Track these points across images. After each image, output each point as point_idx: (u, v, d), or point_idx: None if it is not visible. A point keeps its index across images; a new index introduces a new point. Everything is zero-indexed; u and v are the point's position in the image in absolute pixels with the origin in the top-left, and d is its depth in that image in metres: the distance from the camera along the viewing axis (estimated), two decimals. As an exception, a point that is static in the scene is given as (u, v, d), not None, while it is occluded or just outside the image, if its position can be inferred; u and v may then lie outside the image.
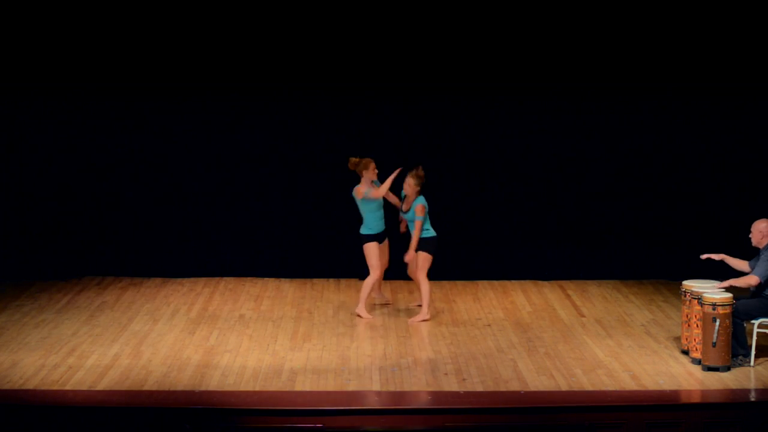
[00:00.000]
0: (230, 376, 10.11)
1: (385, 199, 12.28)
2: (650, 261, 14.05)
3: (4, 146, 13.82)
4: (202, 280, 13.87)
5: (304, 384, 9.92)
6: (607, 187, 14.04)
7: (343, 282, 13.94)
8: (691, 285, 10.65)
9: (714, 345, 10.17)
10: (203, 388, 9.77)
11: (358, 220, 12.39)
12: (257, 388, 9.78)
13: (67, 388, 9.77)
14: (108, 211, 13.99)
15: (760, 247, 10.64)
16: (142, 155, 13.95)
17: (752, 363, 10.44)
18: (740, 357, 10.42)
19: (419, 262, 12.04)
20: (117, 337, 11.36)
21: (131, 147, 13.94)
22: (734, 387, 9.89)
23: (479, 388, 9.82)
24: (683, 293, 10.69)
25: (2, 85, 13.63)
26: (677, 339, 11.16)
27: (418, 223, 11.90)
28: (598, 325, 12.00)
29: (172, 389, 9.75)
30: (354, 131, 13.84)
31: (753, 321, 10.53)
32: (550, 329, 11.80)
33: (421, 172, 11.95)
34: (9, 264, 13.80)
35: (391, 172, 12.07)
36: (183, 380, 9.99)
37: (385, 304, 12.71)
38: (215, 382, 9.96)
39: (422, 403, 9.56)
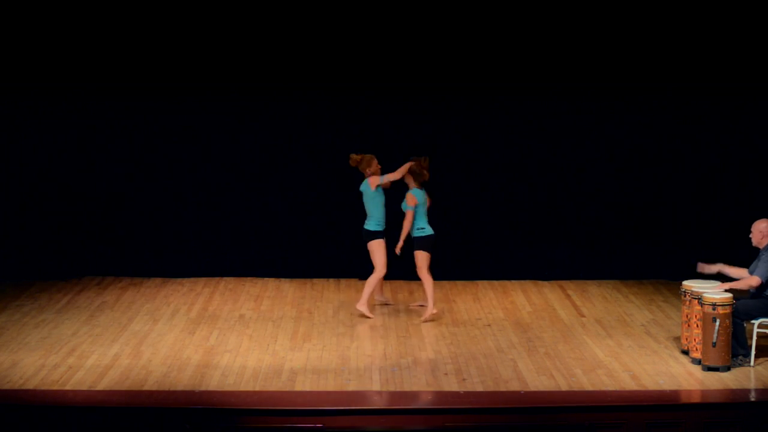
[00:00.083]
0: (230, 376, 10.11)
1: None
2: (650, 261, 14.06)
3: (4, 146, 13.82)
4: (202, 280, 13.87)
5: (304, 384, 9.91)
6: (607, 187, 14.04)
7: (343, 282, 13.94)
8: (691, 285, 10.65)
9: (714, 345, 10.17)
10: (203, 388, 9.77)
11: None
12: (257, 388, 9.78)
13: (67, 388, 9.77)
14: (108, 211, 13.99)
15: (760, 247, 10.64)
16: (142, 155, 13.95)
17: (752, 363, 10.44)
18: (740, 357, 10.42)
19: (417, 261, 12.05)
20: (117, 337, 11.36)
21: (131, 147, 13.94)
22: (734, 387, 9.89)
23: (479, 388, 9.82)
24: (683, 293, 10.69)
25: (2, 85, 13.63)
26: (677, 339, 11.16)
27: (407, 213, 11.91)
28: (598, 325, 12.00)
29: (172, 389, 9.75)
30: (354, 131, 13.83)
31: (753, 321, 10.53)
32: (550, 329, 11.80)
33: (417, 168, 11.96)
34: (9, 264, 13.80)
35: (390, 170, 12.11)
36: (183, 380, 9.99)
37: (385, 304, 12.70)
38: (215, 382, 9.95)
39: (422, 403, 9.56)
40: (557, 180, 14.05)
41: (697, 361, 10.40)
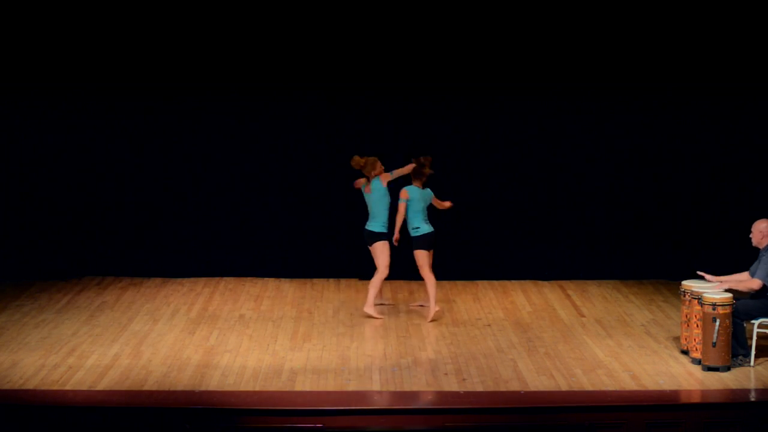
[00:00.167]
0: (230, 376, 10.11)
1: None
2: (650, 261, 14.06)
3: (4, 146, 13.82)
4: (202, 280, 13.87)
5: (304, 384, 9.91)
6: (607, 187, 14.04)
7: (343, 282, 13.95)
8: (691, 285, 10.65)
9: (714, 345, 10.17)
10: (203, 388, 9.77)
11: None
12: (257, 388, 9.78)
13: (67, 388, 9.77)
14: (108, 211, 13.99)
15: (760, 247, 10.63)
16: (142, 155, 13.95)
17: (752, 363, 10.44)
18: (740, 357, 10.42)
19: (417, 260, 12.06)
20: (117, 337, 11.36)
21: (131, 147, 13.94)
22: (734, 387, 9.89)
23: (479, 388, 9.82)
24: (683, 293, 10.69)
25: (2, 85, 13.63)
26: (677, 339, 11.16)
27: (399, 206, 11.96)
28: (598, 325, 12.00)
29: (172, 389, 9.75)
30: (354, 131, 13.84)
31: (753, 321, 10.53)
32: (550, 329, 11.80)
33: (417, 167, 12.00)
34: (9, 264, 13.80)
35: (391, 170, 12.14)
36: (183, 380, 9.99)
37: (385, 304, 12.70)
38: (215, 382, 9.95)
39: (422, 403, 9.56)
40: (557, 180, 14.05)
41: (697, 361, 10.40)
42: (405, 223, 12.11)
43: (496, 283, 13.90)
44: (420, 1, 13.63)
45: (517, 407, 9.40)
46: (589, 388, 9.86)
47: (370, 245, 12.16)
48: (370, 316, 12.14)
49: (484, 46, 13.77)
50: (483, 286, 13.77)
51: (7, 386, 9.77)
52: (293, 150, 14.01)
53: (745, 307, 10.46)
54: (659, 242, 14.03)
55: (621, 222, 14.07)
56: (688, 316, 10.57)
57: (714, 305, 10.19)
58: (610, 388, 9.86)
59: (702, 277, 10.74)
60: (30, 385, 9.81)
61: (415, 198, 12.00)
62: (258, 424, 9.16)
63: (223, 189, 14.04)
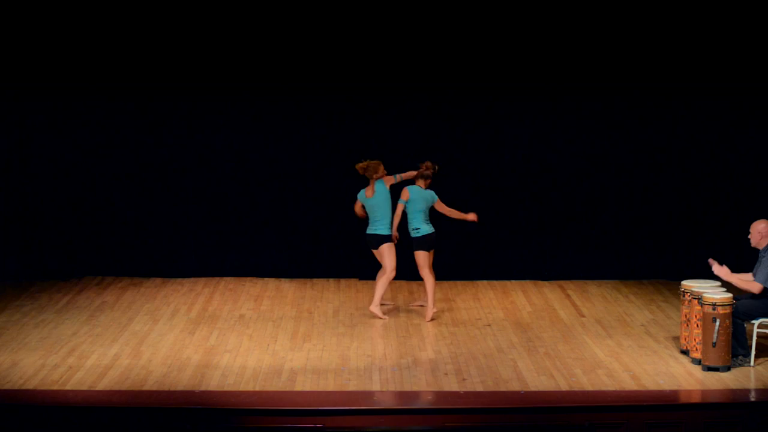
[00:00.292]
0: (230, 376, 10.11)
1: None
2: (650, 261, 14.06)
3: (5, 147, 13.82)
4: (202, 280, 13.87)
5: (304, 384, 9.91)
6: (607, 187, 14.05)
7: (343, 282, 13.95)
8: (691, 285, 10.64)
9: (714, 345, 10.17)
10: (203, 388, 9.77)
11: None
12: (257, 388, 9.78)
13: (67, 388, 9.77)
14: (108, 211, 13.99)
15: (760, 248, 10.62)
16: (142, 155, 13.95)
17: (752, 363, 10.44)
18: (740, 357, 10.42)
19: (417, 261, 12.07)
20: (117, 337, 11.36)
21: (131, 147, 13.94)
22: (734, 387, 9.89)
23: (479, 388, 9.82)
24: (683, 293, 10.69)
25: (2, 85, 13.62)
26: (677, 339, 11.16)
27: (398, 205, 11.98)
28: (598, 325, 12.00)
29: (172, 389, 9.75)
30: (354, 131, 13.85)
31: (753, 321, 10.53)
32: (550, 329, 11.80)
33: (422, 169, 12.04)
34: (9, 264, 13.80)
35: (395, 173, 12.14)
36: (183, 380, 9.99)
37: (386, 305, 12.70)
38: (215, 382, 9.95)
39: (422, 403, 9.56)
40: (557, 180, 14.06)
41: (697, 361, 10.40)
42: (406, 223, 12.13)
43: (496, 283, 13.91)
44: (426, 2, 13.63)
45: (517, 407, 9.40)
46: (589, 388, 9.86)
47: (377, 248, 12.16)
48: (374, 315, 12.14)
49: (484, 47, 13.77)
50: (483, 286, 13.77)
51: (7, 386, 9.77)
52: (293, 150, 14.00)
53: (745, 307, 10.45)
54: (659, 242, 14.03)
55: (621, 222, 14.07)
56: (688, 316, 10.57)
57: (714, 305, 10.19)
58: (610, 388, 9.86)
59: (710, 266, 10.67)
60: (30, 385, 9.81)
61: (415, 198, 12.00)
62: (258, 424, 9.16)
63: (224, 189, 14.04)
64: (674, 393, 9.79)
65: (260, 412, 9.22)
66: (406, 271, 12.63)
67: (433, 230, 12.12)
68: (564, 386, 9.89)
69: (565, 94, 13.87)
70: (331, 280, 14.05)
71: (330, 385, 9.91)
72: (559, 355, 10.84)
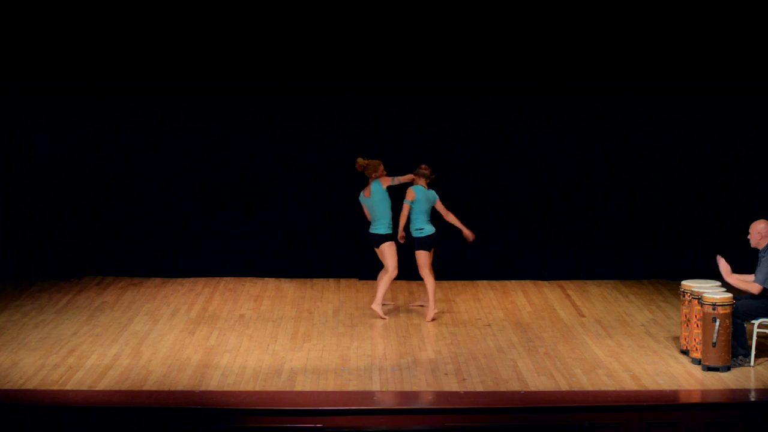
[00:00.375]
0: (230, 376, 10.11)
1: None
2: (650, 261, 14.06)
3: (5, 147, 13.82)
4: (202, 280, 13.87)
5: (304, 384, 9.91)
6: (607, 187, 14.04)
7: (343, 282, 13.95)
8: (691, 285, 10.64)
9: (714, 345, 10.17)
10: (203, 388, 9.77)
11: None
12: (257, 388, 9.78)
13: (67, 388, 9.77)
14: (108, 211, 13.99)
15: (759, 248, 10.62)
16: (142, 155, 13.95)
17: (752, 363, 10.44)
18: (740, 357, 10.41)
19: (418, 261, 12.08)
20: (117, 337, 11.36)
21: (131, 147, 13.94)
22: (734, 387, 9.89)
23: (479, 388, 9.82)
24: (683, 293, 10.68)
25: (2, 85, 13.62)
26: (677, 339, 11.16)
27: (403, 206, 11.99)
28: (598, 325, 12.00)
29: (172, 389, 9.75)
30: (355, 131, 13.84)
31: (753, 321, 10.53)
32: (550, 329, 11.80)
33: (422, 170, 12.05)
34: (9, 264, 13.80)
35: (394, 174, 12.14)
36: (183, 380, 9.99)
37: (386, 305, 12.69)
38: (215, 382, 9.95)
39: (422, 403, 9.56)
40: (557, 180, 14.05)
41: (697, 361, 10.40)
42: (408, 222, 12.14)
43: (496, 283, 13.91)
44: (426, 2, 13.62)
45: (517, 407, 9.40)
46: (589, 388, 9.86)
47: (378, 248, 12.18)
48: (375, 314, 12.14)
49: (485, 47, 13.77)
50: (483, 286, 13.77)
51: (7, 386, 9.77)
52: (293, 150, 14.00)
53: (745, 307, 10.45)
54: (659, 242, 14.03)
55: (621, 222, 14.07)
56: (688, 316, 10.57)
57: (714, 305, 10.19)
58: (610, 388, 9.86)
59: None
60: (30, 385, 9.81)
61: (420, 199, 12.02)
62: (258, 424, 9.16)
63: (224, 189, 14.04)
64: (674, 393, 9.79)
65: (260, 412, 9.22)
66: (406, 271, 12.62)
67: (435, 230, 12.13)
68: (564, 386, 9.89)
69: (565, 94, 13.88)
70: (331, 280, 14.05)
71: (330, 385, 9.91)
72: (559, 355, 10.84)
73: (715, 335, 10.15)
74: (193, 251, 14.08)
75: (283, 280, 14.00)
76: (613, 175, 14.02)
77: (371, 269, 12.73)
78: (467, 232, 12.32)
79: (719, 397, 9.69)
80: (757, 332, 10.53)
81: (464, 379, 10.05)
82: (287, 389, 9.78)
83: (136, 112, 13.86)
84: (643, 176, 14.01)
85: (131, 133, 13.91)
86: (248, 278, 14.00)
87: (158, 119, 13.90)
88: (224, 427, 9.15)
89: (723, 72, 13.67)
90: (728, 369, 10.24)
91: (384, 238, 12.09)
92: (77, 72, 13.66)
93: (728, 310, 10.20)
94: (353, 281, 13.91)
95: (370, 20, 13.65)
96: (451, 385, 9.91)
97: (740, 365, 10.39)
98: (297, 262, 14.13)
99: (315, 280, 13.99)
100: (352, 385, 9.90)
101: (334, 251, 14.10)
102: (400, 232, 12.10)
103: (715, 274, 10.86)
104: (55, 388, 9.77)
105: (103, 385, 9.84)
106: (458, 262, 13.88)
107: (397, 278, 12.59)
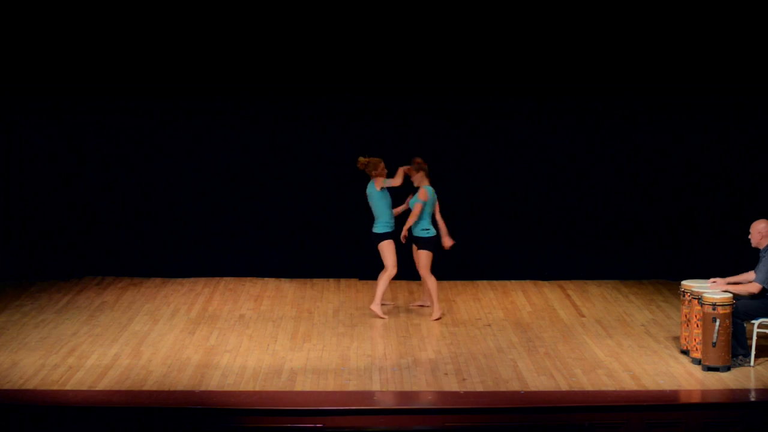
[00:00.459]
0: (230, 376, 10.11)
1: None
2: (650, 261, 14.06)
3: (5, 147, 13.82)
4: (202, 280, 13.87)
5: (304, 384, 9.91)
6: (607, 188, 14.04)
7: (343, 282, 13.95)
8: (691, 285, 10.64)
9: (714, 345, 10.17)
10: (203, 388, 9.77)
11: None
12: (257, 388, 9.78)
13: (67, 388, 9.77)
14: (108, 211, 13.99)
15: (760, 248, 10.62)
16: (142, 155, 13.95)
17: (752, 363, 10.44)
18: (740, 357, 10.42)
19: (422, 260, 12.08)
20: (117, 337, 11.36)
21: (131, 147, 13.94)
22: (734, 387, 9.89)
23: (479, 388, 9.82)
24: (683, 293, 10.68)
25: (2, 85, 13.62)
26: (677, 339, 11.16)
27: (415, 205, 11.96)
28: (598, 325, 12.00)
29: (172, 389, 9.75)
30: (355, 131, 13.84)
31: (753, 321, 10.53)
32: (550, 329, 11.80)
33: (423, 165, 12.04)
34: (9, 264, 13.80)
35: (395, 172, 12.13)
36: (183, 380, 9.99)
37: (386, 305, 12.69)
38: (215, 382, 9.95)
39: (422, 403, 9.56)
40: (557, 180, 14.06)
41: (697, 361, 10.40)
42: (410, 235, 12.14)
43: (496, 283, 13.91)
44: (426, 2, 13.62)
45: (517, 407, 9.40)
46: (589, 388, 9.86)
47: (377, 246, 12.19)
48: (375, 314, 12.14)
49: (485, 47, 13.77)
50: (483, 286, 13.77)
51: (7, 386, 9.77)
52: (293, 150, 14.01)
53: (745, 307, 10.45)
54: (659, 242, 14.03)
55: (621, 222, 14.07)
56: (688, 316, 10.57)
57: (714, 305, 10.19)
58: (610, 388, 9.86)
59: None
60: (30, 385, 9.81)
61: (432, 200, 12.03)
62: (258, 424, 9.16)
63: (224, 189, 14.04)
64: (674, 393, 9.79)
65: (260, 412, 9.22)
66: (406, 271, 12.62)
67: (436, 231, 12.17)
68: (564, 386, 9.89)
69: (565, 94, 13.88)
70: (331, 280, 14.05)
71: (330, 385, 9.91)
72: (559, 355, 10.84)
73: (715, 335, 10.15)
74: (193, 251, 14.08)
75: (283, 280, 14.00)
76: (612, 175, 14.02)
77: (371, 269, 12.73)
78: (447, 240, 12.30)
79: (719, 397, 9.69)
80: (757, 332, 10.53)
81: (464, 379, 10.05)
82: (287, 389, 9.78)
83: (136, 112, 13.86)
84: (643, 176, 14.01)
85: (131, 133, 13.92)
86: (248, 278, 14.00)
87: (158, 119, 13.90)
88: (224, 427, 9.15)
89: (723, 72, 13.67)
90: (728, 369, 10.24)
91: (381, 237, 12.10)
92: (77, 72, 13.66)
93: (728, 310, 10.20)
94: (353, 281, 13.91)
95: (370, 20, 13.66)
96: (451, 385, 9.91)
97: (740, 365, 10.39)
98: (297, 262, 14.13)
99: (315, 280, 13.99)
100: (352, 385, 9.90)
101: (334, 251, 14.10)
102: (404, 232, 12.07)
103: (714, 275, 10.87)
104: (55, 388, 9.77)
105: (103, 385, 9.84)
106: (458, 262, 13.88)
107: (398, 278, 12.62)
